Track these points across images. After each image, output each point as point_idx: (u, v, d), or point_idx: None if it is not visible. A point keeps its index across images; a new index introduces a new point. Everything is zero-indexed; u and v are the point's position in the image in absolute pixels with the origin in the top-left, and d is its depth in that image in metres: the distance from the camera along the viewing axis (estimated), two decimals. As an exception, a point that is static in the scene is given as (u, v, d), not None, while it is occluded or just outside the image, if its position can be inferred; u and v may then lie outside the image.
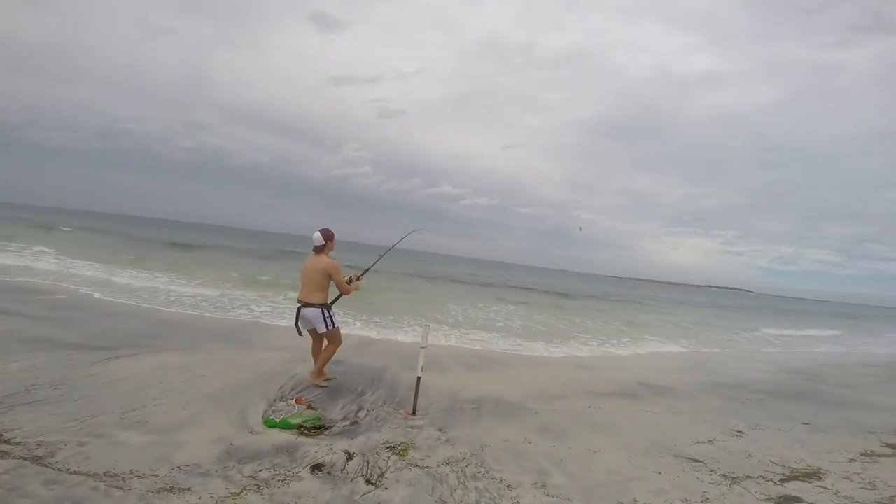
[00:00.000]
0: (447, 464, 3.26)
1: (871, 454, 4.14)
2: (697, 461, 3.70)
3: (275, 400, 4.28)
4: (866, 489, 3.30)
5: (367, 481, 2.92)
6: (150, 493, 2.45)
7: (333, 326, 4.58)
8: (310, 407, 4.11)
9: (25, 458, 2.61)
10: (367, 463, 3.16)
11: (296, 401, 4.19)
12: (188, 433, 3.34)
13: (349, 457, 3.23)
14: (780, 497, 3.12)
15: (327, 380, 4.80)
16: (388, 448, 3.43)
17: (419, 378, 4.32)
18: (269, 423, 3.68)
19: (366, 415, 4.16)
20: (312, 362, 5.01)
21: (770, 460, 3.81)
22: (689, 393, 6.36)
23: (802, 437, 4.66)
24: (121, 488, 2.45)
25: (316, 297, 4.49)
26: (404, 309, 12.20)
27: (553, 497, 2.93)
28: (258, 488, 2.66)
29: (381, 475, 3.00)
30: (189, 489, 2.56)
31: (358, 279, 4.81)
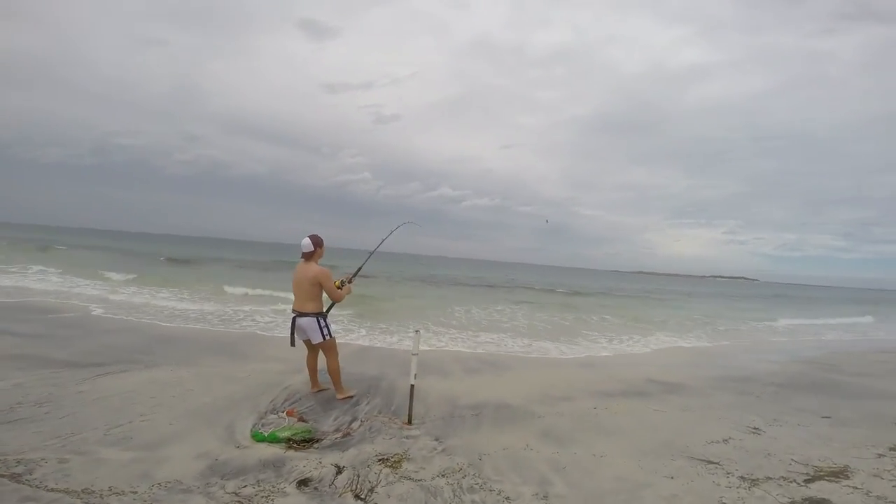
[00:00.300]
0: (442, 475, 3.19)
1: (901, 450, 3.99)
2: (712, 463, 3.59)
3: (265, 413, 4.24)
4: (899, 488, 3.18)
5: (357, 496, 2.86)
6: (126, 511, 2.42)
7: (330, 336, 4.57)
8: (301, 419, 4.06)
9: (3, 476, 2.61)
10: (358, 477, 3.10)
11: (287, 413, 4.14)
12: (172, 449, 3.31)
13: (339, 470, 3.18)
14: (806, 499, 3.00)
15: (348, 397, 4.77)
16: (380, 460, 3.37)
17: (412, 386, 4.26)
18: (257, 437, 3.64)
19: (359, 426, 4.11)
20: (307, 373, 4.99)
21: (792, 459, 3.68)
22: (700, 389, 6.24)
23: (824, 431, 4.52)
24: (97, 506, 2.43)
25: (310, 307, 4.48)
26: (408, 314, 12.27)
27: (554, 508, 2.85)
28: (240, 505, 2.62)
29: (372, 490, 2.94)
30: (168, 506, 2.53)
31: (350, 281, 4.80)
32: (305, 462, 3.27)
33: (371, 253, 5.38)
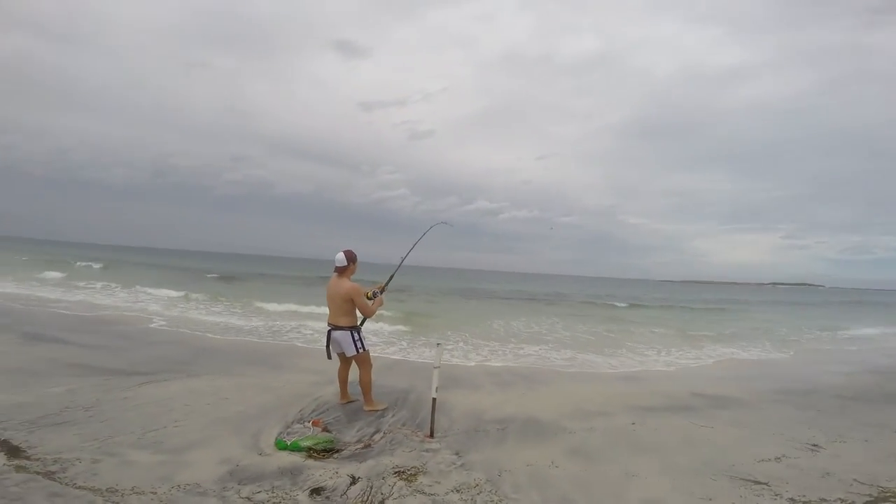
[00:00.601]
0: (457, 491, 3.12)
1: None
2: (759, 483, 3.28)
3: (292, 422, 4.35)
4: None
5: (366, 507, 2.85)
6: (143, 511, 2.54)
7: (363, 349, 4.68)
8: (325, 429, 4.13)
9: (39, 473, 2.82)
10: (371, 488, 3.09)
11: (312, 423, 4.23)
12: (198, 454, 3.46)
13: (353, 481, 3.19)
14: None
15: (375, 409, 4.82)
16: (396, 473, 3.35)
17: (434, 399, 4.22)
18: (280, 446, 3.73)
19: (381, 437, 4.11)
20: (338, 385, 5.10)
21: (854, 479, 3.31)
22: (754, 403, 5.80)
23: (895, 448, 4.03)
24: (117, 503, 2.57)
25: (343, 321, 4.63)
26: (446, 327, 12.39)
27: (571, 529, 2.70)
28: (251, 509, 2.68)
29: (382, 502, 2.92)
30: (182, 508, 2.63)
31: (382, 290, 4.86)
32: (322, 471, 3.30)
33: (404, 257, 5.29)
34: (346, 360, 4.93)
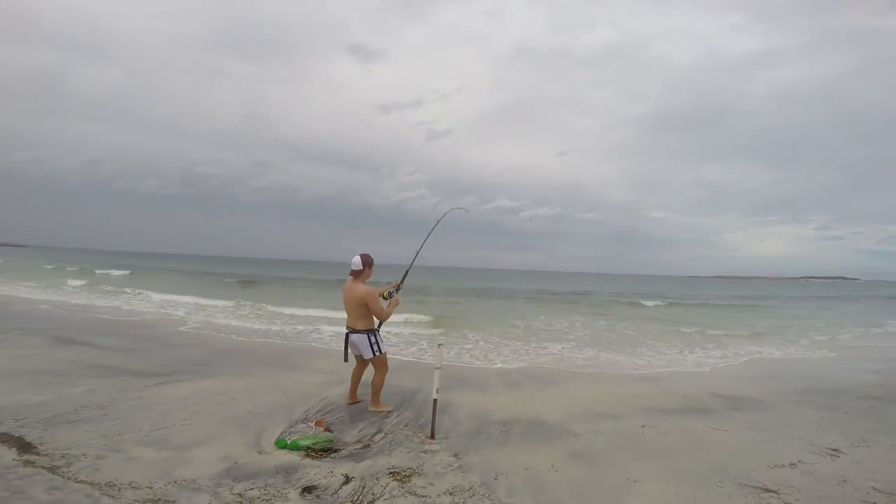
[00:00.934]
0: (450, 493, 3.11)
1: None
2: (769, 491, 3.14)
3: (296, 422, 4.44)
4: None
5: (355, 506, 2.88)
6: (136, 503, 2.65)
7: (380, 352, 4.76)
8: (327, 429, 4.20)
9: (44, 468, 2.99)
10: (363, 488, 3.13)
11: (315, 423, 4.31)
12: (200, 451, 3.58)
13: (346, 480, 3.23)
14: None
15: (381, 411, 4.90)
16: (390, 473, 3.38)
17: (435, 400, 4.22)
18: (280, 444, 3.82)
19: (382, 438, 4.15)
20: (348, 385, 5.18)
21: (872, 486, 3.12)
22: (775, 404, 5.56)
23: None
24: (113, 497, 2.70)
25: (360, 324, 4.71)
26: (466, 325, 12.44)
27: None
28: (240, 506, 2.76)
29: (372, 502, 2.95)
30: (174, 502, 2.73)
31: (397, 289, 4.92)
32: (317, 470, 3.36)
33: (420, 246, 5.28)
34: (362, 363, 5.04)
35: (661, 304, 24.51)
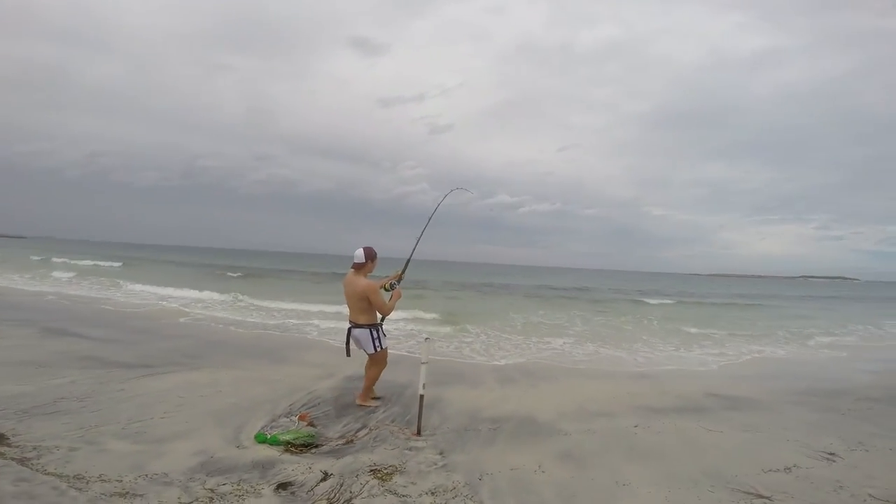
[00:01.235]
0: (431, 493, 3.04)
1: None
2: (761, 497, 3.06)
3: (280, 416, 4.40)
4: None
5: (331, 504, 2.82)
6: (103, 497, 2.61)
7: (381, 348, 4.74)
8: (311, 424, 4.14)
9: (14, 459, 2.94)
10: (341, 485, 3.07)
11: (299, 417, 4.26)
12: (176, 445, 3.53)
13: (325, 477, 3.17)
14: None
15: (375, 398, 4.99)
16: (371, 471, 3.31)
17: (422, 396, 4.16)
18: (259, 439, 3.76)
19: (366, 433, 4.09)
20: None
21: (869, 493, 3.04)
22: (772, 404, 5.48)
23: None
24: (80, 490, 2.65)
25: (362, 319, 4.67)
26: (466, 320, 12.41)
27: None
28: (210, 501, 2.70)
29: (349, 500, 2.89)
30: (142, 496, 2.68)
31: (399, 280, 4.87)
32: (295, 466, 3.31)
33: (424, 227, 5.22)
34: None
35: (663, 301, 24.42)
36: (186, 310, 12.18)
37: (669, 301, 24.93)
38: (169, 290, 15.95)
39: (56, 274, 20.65)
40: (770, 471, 3.46)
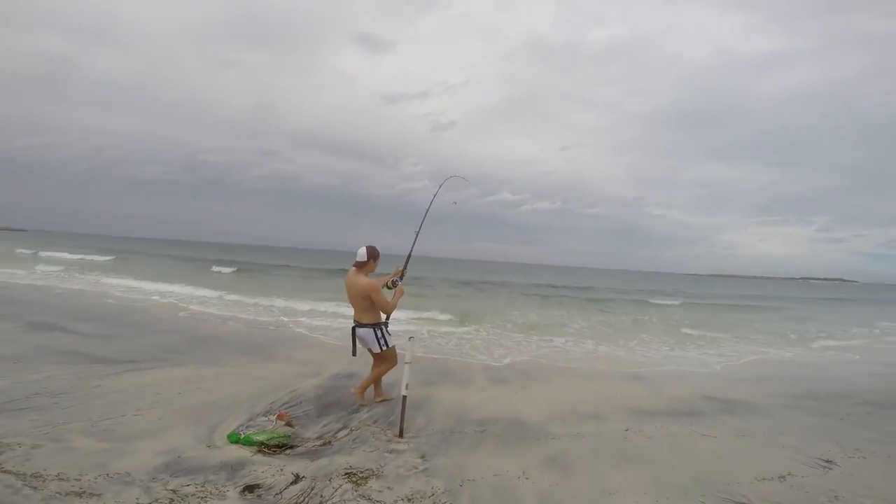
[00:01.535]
0: (407, 499, 2.94)
1: None
2: (753, 509, 2.93)
3: (258, 415, 4.30)
4: None
5: (299, 508, 2.72)
6: (58, 496, 2.53)
7: (387, 346, 4.71)
8: (289, 423, 4.05)
9: (-29, 456, 2.84)
10: (312, 489, 2.97)
11: (277, 416, 4.17)
12: (144, 443, 3.44)
13: (295, 480, 3.07)
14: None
15: (384, 399, 4.92)
16: (346, 474, 3.21)
17: (405, 396, 4.06)
18: (232, 439, 3.66)
19: (346, 434, 3.99)
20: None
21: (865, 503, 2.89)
22: (768, 409, 5.37)
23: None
24: (35, 488, 2.57)
25: (366, 318, 4.64)
26: (466, 318, 12.32)
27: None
28: (171, 502, 2.61)
29: (319, 505, 2.78)
30: (100, 495, 2.60)
31: (401, 277, 4.79)
32: (266, 468, 3.21)
33: (423, 217, 5.10)
34: (376, 356, 4.92)
35: (665, 302, 24.36)
36: (177, 304, 12.12)
37: (671, 301, 25.01)
38: (160, 286, 15.88)
39: (41, 268, 20.54)
40: (763, 479, 3.34)
